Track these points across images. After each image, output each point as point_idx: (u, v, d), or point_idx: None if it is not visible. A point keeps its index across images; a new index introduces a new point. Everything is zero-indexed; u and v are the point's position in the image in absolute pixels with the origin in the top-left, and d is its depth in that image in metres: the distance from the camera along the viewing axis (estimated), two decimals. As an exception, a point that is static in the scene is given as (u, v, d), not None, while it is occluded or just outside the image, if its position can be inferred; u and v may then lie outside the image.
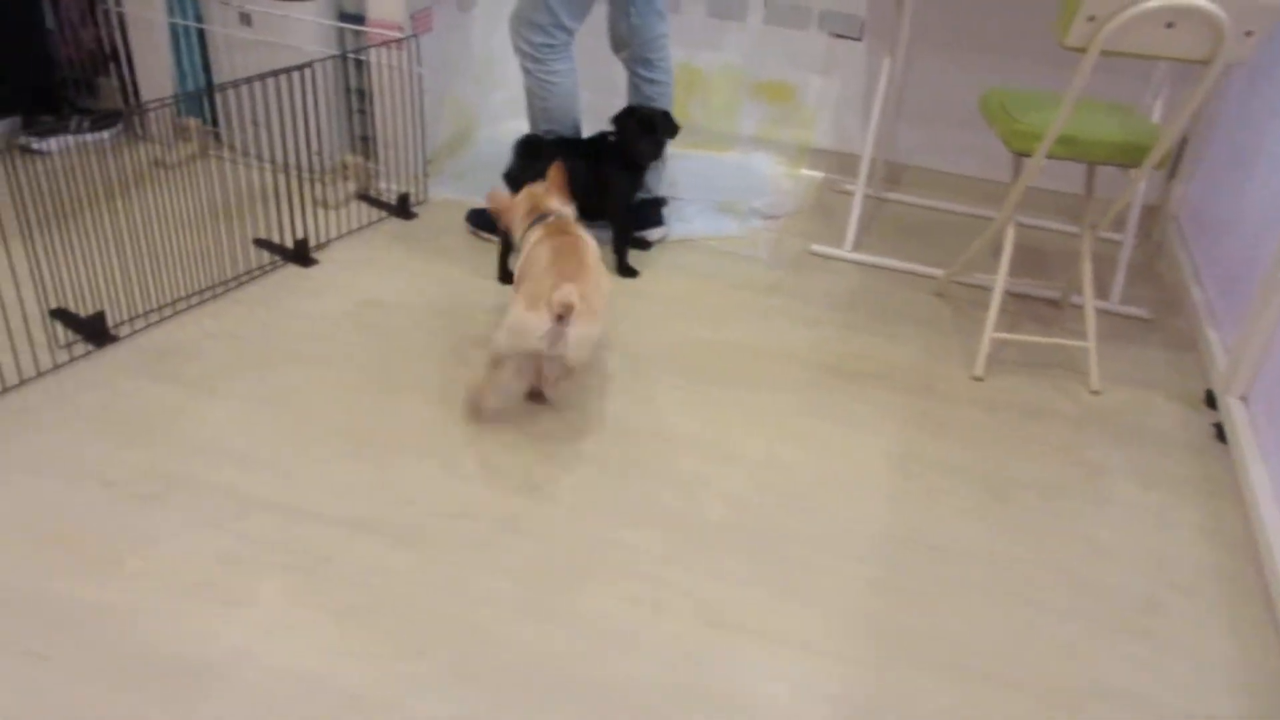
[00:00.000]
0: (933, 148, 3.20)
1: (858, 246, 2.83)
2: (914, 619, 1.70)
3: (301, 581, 1.66)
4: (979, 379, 2.33)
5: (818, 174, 3.29)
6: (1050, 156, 2.17)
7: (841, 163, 3.26)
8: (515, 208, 2.21)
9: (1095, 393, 2.32)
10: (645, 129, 2.53)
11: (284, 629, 1.58)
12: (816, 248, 2.84)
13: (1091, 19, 1.93)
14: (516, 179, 2.51)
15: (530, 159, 2.52)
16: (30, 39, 2.95)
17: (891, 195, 3.17)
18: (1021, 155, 2.26)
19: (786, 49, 3.19)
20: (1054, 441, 2.15)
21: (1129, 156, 2.20)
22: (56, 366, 2.12)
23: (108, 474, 1.85)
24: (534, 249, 2.06)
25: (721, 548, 1.81)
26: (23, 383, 2.06)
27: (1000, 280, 2.34)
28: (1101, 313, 2.56)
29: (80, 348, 2.17)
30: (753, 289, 2.64)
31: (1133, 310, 2.65)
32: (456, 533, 1.79)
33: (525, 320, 1.87)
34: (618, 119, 2.56)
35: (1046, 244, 2.97)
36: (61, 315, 2.21)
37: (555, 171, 2.23)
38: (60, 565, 1.65)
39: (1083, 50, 1.99)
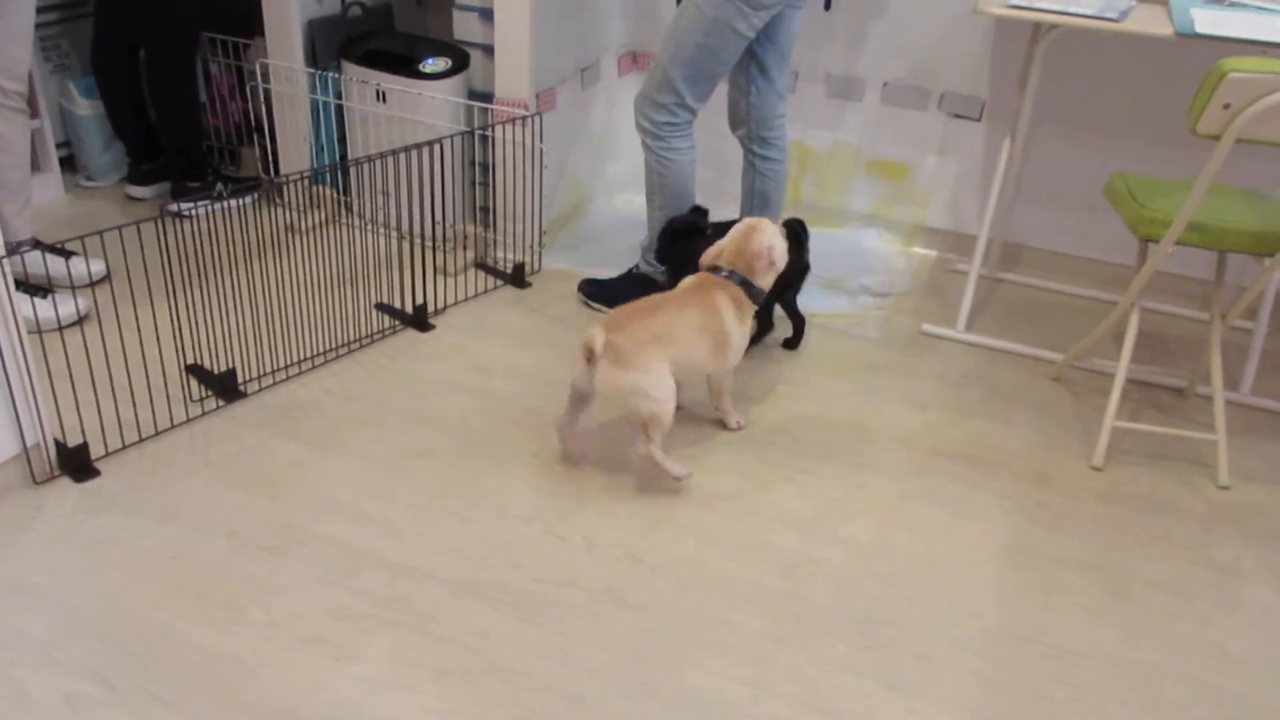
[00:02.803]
0: (1051, 229, 3.15)
1: (971, 327, 2.79)
2: (1021, 719, 1.63)
3: (408, 639, 1.70)
4: (1098, 469, 2.25)
5: (930, 253, 3.26)
6: (1179, 243, 2.11)
7: (955, 242, 3.23)
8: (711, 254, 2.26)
9: (1224, 488, 2.21)
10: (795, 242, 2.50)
11: (389, 687, 1.61)
12: (928, 327, 2.80)
13: (1226, 107, 1.89)
14: (667, 258, 2.61)
15: (679, 239, 2.57)
16: (188, 113, 3.16)
17: (1007, 276, 3.12)
18: (1148, 241, 2.20)
19: (903, 128, 3.19)
20: (1179, 539, 2.06)
21: (1264, 245, 2.12)
22: (189, 419, 2.23)
23: (233, 524, 1.93)
24: (667, 293, 2.19)
25: (827, 631, 1.77)
26: (159, 433, 2.17)
27: (1123, 366, 2.27)
28: (1231, 404, 2.45)
29: (212, 402, 2.29)
30: (861, 367, 2.62)
31: (1265, 403, 2.53)
32: (561, 600, 1.80)
33: (587, 336, 2.00)
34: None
35: (1171, 330, 2.87)
36: (196, 371, 2.34)
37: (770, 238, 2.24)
38: (186, 611, 1.73)
39: (1216, 138, 1.95)
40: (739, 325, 2.17)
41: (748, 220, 2.26)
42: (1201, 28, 2.26)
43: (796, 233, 2.52)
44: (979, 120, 3.11)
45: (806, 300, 2.90)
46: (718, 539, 1.98)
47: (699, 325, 2.10)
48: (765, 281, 2.22)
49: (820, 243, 3.26)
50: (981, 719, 1.62)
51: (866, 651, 1.74)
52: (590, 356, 1.98)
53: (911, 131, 3.19)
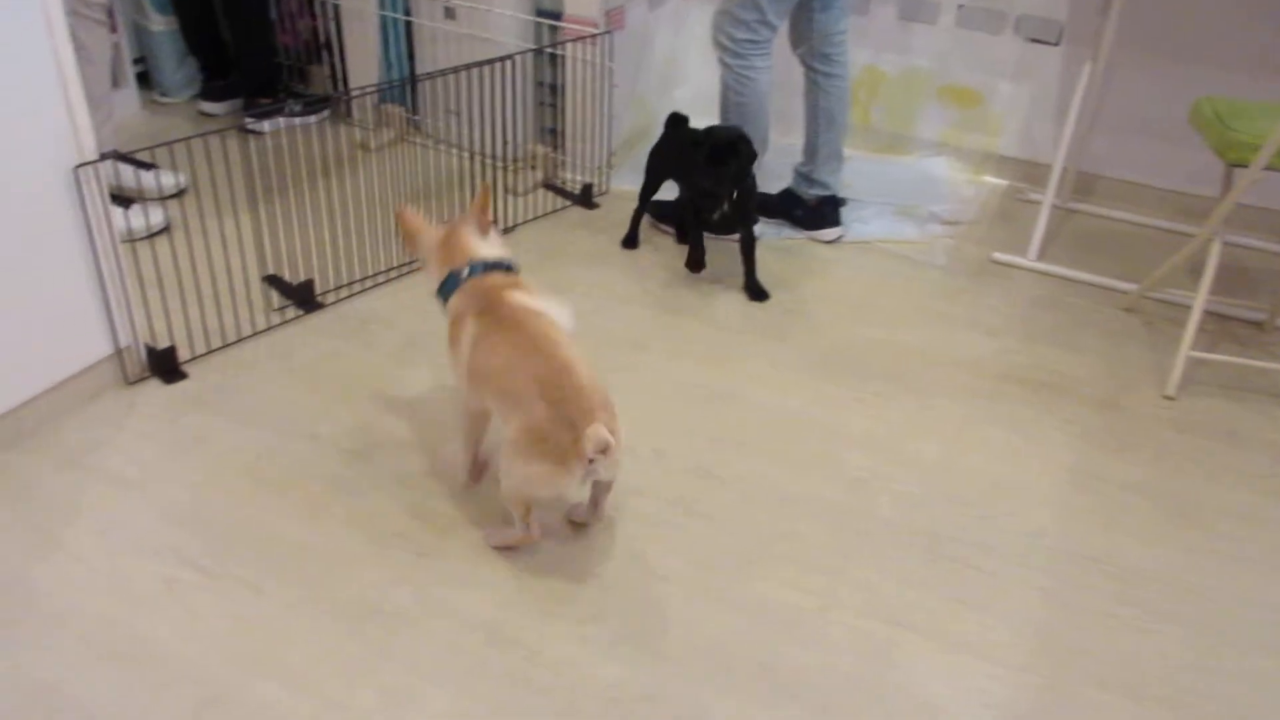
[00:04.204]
0: (1129, 158, 3.07)
1: (1042, 256, 2.75)
2: (1087, 636, 1.65)
3: (483, 540, 1.75)
4: (1171, 399, 2.23)
5: (1001, 181, 3.20)
6: (1269, 169, 2.06)
7: (1027, 171, 3.17)
8: (426, 240, 1.83)
9: (1300, 421, 2.19)
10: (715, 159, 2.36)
11: (468, 582, 1.67)
12: (998, 255, 2.77)
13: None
14: (655, 154, 2.65)
15: (674, 128, 2.62)
16: (260, 30, 3.19)
17: (1081, 206, 3.06)
18: (1235, 166, 2.15)
19: (977, 53, 3.12)
20: (1252, 469, 2.04)
21: (1356, 172, 2.06)
22: (270, 327, 2.29)
23: (315, 428, 1.99)
24: (484, 343, 1.66)
25: (894, 546, 1.80)
26: (240, 340, 2.24)
27: (1201, 296, 2.24)
28: (1310, 338, 2.41)
29: (290, 312, 2.34)
30: (930, 294, 2.60)
31: (1345, 338, 2.48)
32: (631, 508, 1.84)
33: (558, 481, 1.55)
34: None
35: (1251, 262, 2.81)
36: (274, 281, 2.39)
37: (480, 195, 1.83)
38: (273, 506, 1.80)
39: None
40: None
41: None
42: (1303, -56, 2.17)
43: (727, 145, 2.34)
44: (1056, 44, 3.03)
45: (876, 226, 2.88)
46: (785, 455, 2.01)
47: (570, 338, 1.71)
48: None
49: (889, 169, 3.23)
50: (1046, 633, 1.65)
51: (932, 566, 1.76)
52: (605, 451, 1.52)
53: (985, 56, 3.12)
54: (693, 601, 1.66)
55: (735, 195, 2.43)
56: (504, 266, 1.78)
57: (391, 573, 1.68)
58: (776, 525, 1.83)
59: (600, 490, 1.74)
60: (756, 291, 2.54)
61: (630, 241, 2.73)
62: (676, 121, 2.63)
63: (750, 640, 1.60)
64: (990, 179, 3.22)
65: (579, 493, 1.66)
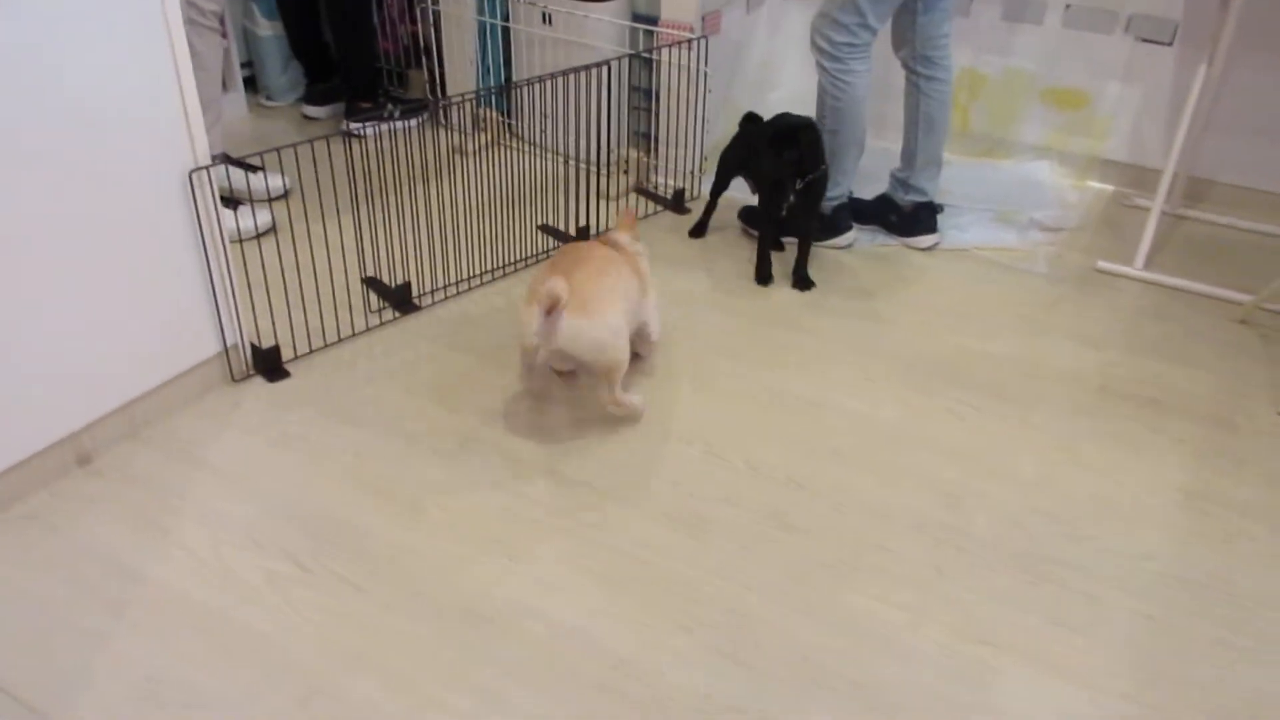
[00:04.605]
0: (1245, 162, 2.94)
1: (1150, 265, 2.65)
2: (1196, 666, 1.58)
3: (575, 546, 1.77)
4: (1287, 417, 2.14)
5: (1106, 186, 3.10)
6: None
7: (1134, 176, 3.07)
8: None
9: None
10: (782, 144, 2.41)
11: (559, 588, 1.68)
12: (1103, 264, 2.68)
13: None
14: (728, 151, 2.68)
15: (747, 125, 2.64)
16: (362, 36, 3.27)
17: (1191, 212, 2.94)
18: (1363, 175, 2.04)
19: (1084, 54, 3.02)
20: (1377, 494, 1.94)
21: None
22: (369, 329, 2.34)
23: (411, 429, 2.03)
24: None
25: (989, 564, 1.76)
26: (340, 340, 2.29)
27: (1322, 311, 2.13)
28: None
29: (388, 314, 2.40)
30: (1030, 303, 2.53)
31: None
32: (722, 519, 1.84)
33: (521, 315, 1.87)
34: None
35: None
36: (373, 283, 2.45)
37: (626, 215, 2.25)
38: (370, 505, 1.84)
39: None
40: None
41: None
42: None
43: (790, 131, 2.41)
44: (1170, 44, 2.92)
45: (975, 233, 2.82)
46: (877, 467, 1.98)
47: (629, 267, 2.06)
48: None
49: (988, 173, 3.16)
50: (1151, 661, 1.59)
51: (1030, 586, 1.71)
52: (552, 307, 1.83)
53: (1093, 57, 3.02)
54: (783, 614, 1.65)
55: (801, 186, 2.42)
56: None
57: (485, 576, 1.70)
58: (868, 539, 1.80)
59: (591, 370, 2.00)
60: (802, 279, 2.55)
61: (698, 230, 2.80)
62: (750, 119, 2.64)
63: (840, 655, 1.58)
64: (1095, 184, 3.12)
65: (537, 343, 1.86)
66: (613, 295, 1.95)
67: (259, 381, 2.16)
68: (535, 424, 2.06)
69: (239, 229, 2.53)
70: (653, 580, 1.70)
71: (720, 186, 2.73)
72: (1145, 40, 2.95)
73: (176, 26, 1.83)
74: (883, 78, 2.71)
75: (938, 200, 2.79)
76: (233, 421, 2.04)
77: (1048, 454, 2.03)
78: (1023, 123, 3.20)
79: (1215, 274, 2.62)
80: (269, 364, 2.18)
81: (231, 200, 2.63)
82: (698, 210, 2.93)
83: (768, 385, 2.20)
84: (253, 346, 2.17)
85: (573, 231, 2.72)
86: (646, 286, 2.13)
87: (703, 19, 2.81)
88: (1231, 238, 2.85)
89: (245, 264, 2.25)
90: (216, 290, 2.04)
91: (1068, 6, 3.00)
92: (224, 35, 3.03)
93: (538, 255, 2.65)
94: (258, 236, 2.60)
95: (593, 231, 2.75)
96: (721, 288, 2.56)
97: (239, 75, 3.43)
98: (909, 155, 2.70)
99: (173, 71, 1.85)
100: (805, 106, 2.69)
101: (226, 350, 2.11)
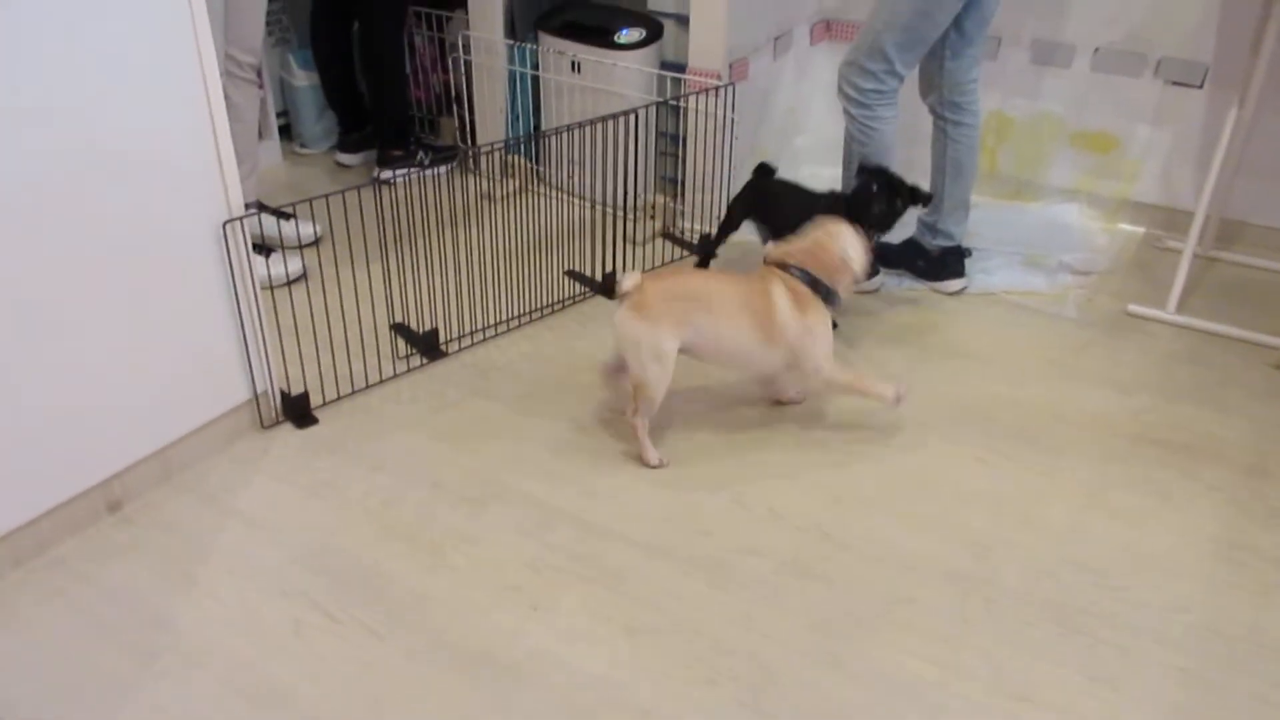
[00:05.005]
0: (1278, 204, 2.91)
1: (1182, 309, 2.62)
2: (1239, 723, 1.54)
3: (599, 595, 1.76)
4: (1326, 465, 2.09)
5: (1137, 229, 3.08)
6: None
7: (1164, 218, 3.04)
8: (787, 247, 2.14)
9: None
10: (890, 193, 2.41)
11: (582, 638, 1.67)
12: (1134, 308, 2.65)
13: None
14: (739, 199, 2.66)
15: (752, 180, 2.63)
16: (395, 85, 3.33)
17: (1224, 255, 2.91)
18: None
19: (1113, 97, 3.02)
20: None
21: None
22: (396, 375, 2.37)
23: (437, 475, 2.04)
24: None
25: (1021, 616, 1.73)
26: (369, 387, 2.32)
27: (1359, 357, 2.09)
28: None
29: (416, 360, 2.42)
30: (1060, 348, 2.51)
31: None
32: (747, 568, 1.82)
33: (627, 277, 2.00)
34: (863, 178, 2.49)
35: None
36: (401, 330, 2.47)
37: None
38: (396, 552, 1.85)
39: None
40: (798, 316, 2.02)
41: (824, 225, 2.12)
42: None
43: (885, 181, 2.40)
44: (1200, 87, 2.90)
45: (1003, 277, 2.80)
46: (904, 516, 1.96)
47: (739, 302, 2.02)
48: (841, 287, 2.08)
49: (1016, 216, 3.15)
50: (1186, 717, 1.55)
51: (1063, 639, 1.68)
52: (620, 293, 1.97)
53: (1123, 100, 3.02)
54: (808, 667, 1.63)
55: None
56: (806, 280, 2.06)
57: (508, 625, 1.70)
58: (896, 590, 1.78)
59: (631, 379, 2.03)
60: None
61: (702, 265, 2.79)
62: (763, 170, 2.63)
63: (867, 710, 1.55)
64: (1126, 227, 3.10)
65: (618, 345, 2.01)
66: (675, 315, 1.98)
67: (288, 428, 2.18)
68: (560, 471, 2.06)
69: (270, 276, 2.57)
70: (676, 630, 1.69)
71: (730, 227, 2.71)
72: (1175, 83, 2.94)
73: (213, 82, 1.88)
74: (911, 122, 2.72)
75: (965, 244, 2.78)
76: (262, 468, 2.06)
77: (1078, 502, 2.00)
78: (1051, 166, 3.19)
79: (1249, 317, 2.58)
80: (298, 411, 2.20)
81: (264, 247, 2.68)
82: (724, 255, 2.94)
83: (794, 432, 2.19)
84: (282, 393, 2.19)
85: (599, 277, 2.74)
86: (784, 321, 2.03)
87: (730, 66, 2.84)
88: (1265, 280, 2.82)
89: (276, 311, 2.28)
90: (247, 338, 2.07)
91: (1096, 50, 3.00)
92: (260, 87, 3.10)
93: (564, 301, 2.67)
94: (289, 283, 2.64)
95: (618, 276, 2.76)
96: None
97: (274, 124, 3.51)
98: (936, 200, 2.70)
99: (209, 125, 1.89)
100: (832, 150, 2.71)
101: (256, 397, 2.14)
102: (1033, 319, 2.63)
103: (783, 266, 2.07)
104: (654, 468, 2.06)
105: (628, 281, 1.97)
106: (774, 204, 2.58)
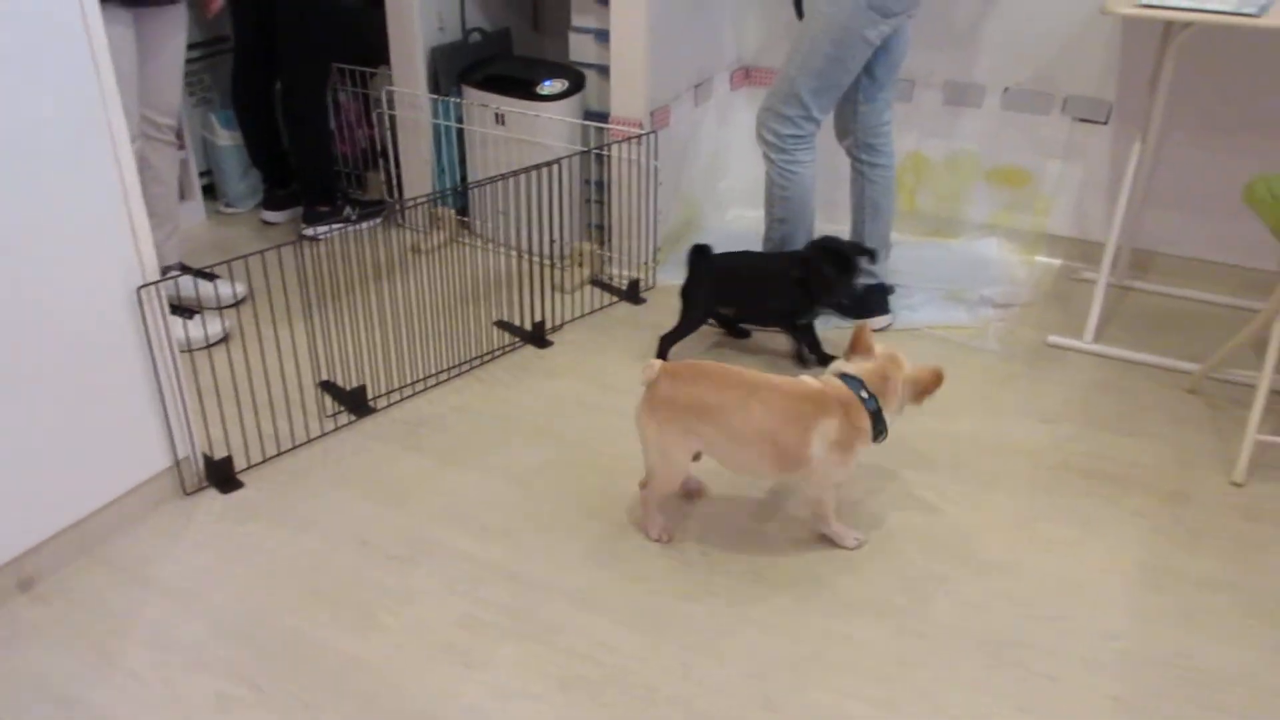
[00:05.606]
0: (1185, 234, 3.02)
1: (1100, 338, 2.70)
2: (1169, 747, 1.57)
3: (534, 649, 1.73)
4: (1239, 485, 2.15)
5: (1054, 261, 3.16)
6: (1327, 248, 2.01)
7: (1080, 250, 3.13)
8: (858, 357, 1.93)
9: (1382, 507, 2.09)
10: (839, 264, 2.47)
11: (517, 694, 1.65)
12: (1053, 339, 2.72)
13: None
14: (687, 292, 2.59)
15: (697, 265, 2.56)
16: (319, 141, 3.31)
17: (1137, 284, 3.00)
18: (1292, 246, 2.10)
19: (1024, 134, 3.11)
20: (1333, 560, 1.95)
21: None
22: (324, 434, 2.33)
23: (365, 535, 2.00)
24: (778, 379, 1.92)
25: (955, 651, 1.74)
26: (295, 447, 2.27)
27: (1266, 376, 2.16)
28: (1389, 418, 2.30)
29: (344, 417, 2.38)
30: (985, 380, 2.56)
31: None
32: (681, 614, 1.81)
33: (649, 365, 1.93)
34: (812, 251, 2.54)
35: (1319, 339, 2.72)
36: (329, 387, 2.44)
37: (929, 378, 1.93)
38: (324, 618, 1.80)
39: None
40: (839, 453, 1.84)
41: (891, 351, 1.93)
42: (1350, 20, 2.15)
43: (838, 254, 2.48)
44: (1105, 124, 3.01)
45: (927, 313, 2.85)
46: (838, 555, 1.96)
47: (762, 430, 1.82)
48: (890, 414, 1.89)
49: (937, 253, 3.21)
50: (1119, 745, 1.57)
51: (996, 672, 1.70)
52: (647, 373, 1.89)
53: (1033, 137, 3.11)
54: (746, 713, 1.61)
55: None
56: (872, 409, 1.86)
57: (440, 686, 1.66)
58: (831, 629, 1.78)
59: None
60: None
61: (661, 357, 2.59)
62: (703, 252, 2.56)
63: (806, 755, 1.54)
64: (1043, 259, 3.18)
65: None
66: (683, 424, 1.86)
67: (212, 493, 2.13)
68: (492, 525, 2.04)
69: (188, 339, 2.52)
70: (612, 682, 1.67)
71: (698, 320, 2.61)
72: (1082, 120, 3.04)
73: (124, 147, 1.85)
74: (830, 163, 2.77)
75: (889, 281, 2.83)
76: (184, 536, 2.01)
77: (1008, 534, 2.02)
78: (969, 202, 3.27)
79: (1163, 344, 2.66)
80: (222, 475, 2.15)
81: (185, 310, 2.63)
82: (653, 300, 2.96)
83: (724, 474, 2.19)
84: (205, 458, 2.14)
85: (529, 326, 2.74)
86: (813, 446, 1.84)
87: (652, 114, 2.88)
88: (1177, 307, 2.91)
89: (197, 374, 2.24)
90: (167, 403, 2.02)
91: (1006, 90, 3.09)
92: (181, 147, 3.07)
93: (494, 352, 2.66)
94: (210, 345, 2.59)
95: (548, 326, 2.76)
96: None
97: (197, 184, 3.46)
98: (857, 239, 2.76)
99: (120, 190, 1.86)
100: (757, 194, 2.75)
101: (178, 463, 2.09)
102: (957, 353, 2.68)
103: (848, 378, 1.87)
104: (653, 540, 1.99)
105: (647, 372, 1.88)
106: (741, 282, 2.59)
